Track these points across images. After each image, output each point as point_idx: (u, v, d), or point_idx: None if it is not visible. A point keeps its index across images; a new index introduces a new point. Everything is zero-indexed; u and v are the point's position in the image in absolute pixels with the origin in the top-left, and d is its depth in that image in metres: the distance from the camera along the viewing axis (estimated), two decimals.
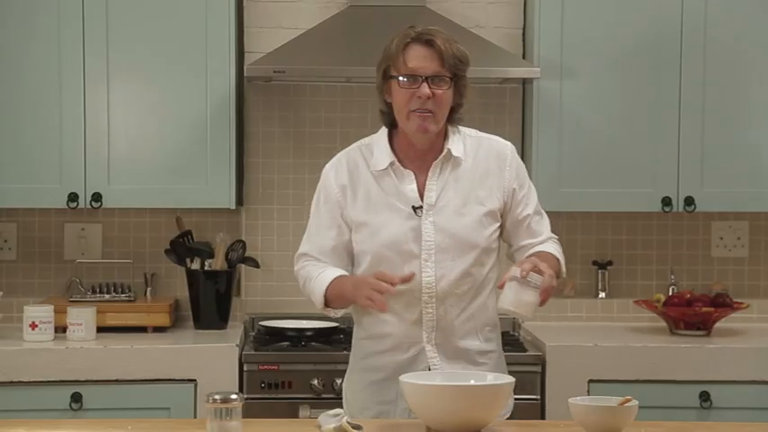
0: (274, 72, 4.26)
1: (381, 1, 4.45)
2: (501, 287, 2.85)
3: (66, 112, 4.30)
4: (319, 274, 3.09)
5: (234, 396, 2.51)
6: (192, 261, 4.48)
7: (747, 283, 4.78)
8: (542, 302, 2.86)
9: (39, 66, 4.28)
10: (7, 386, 4.01)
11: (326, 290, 3.06)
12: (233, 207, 4.39)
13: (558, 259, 3.13)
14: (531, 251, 3.09)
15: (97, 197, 4.31)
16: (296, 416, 4.03)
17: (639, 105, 4.42)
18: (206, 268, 4.47)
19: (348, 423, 2.62)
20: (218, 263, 4.48)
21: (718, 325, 4.44)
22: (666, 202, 4.43)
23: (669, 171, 4.43)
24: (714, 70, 4.41)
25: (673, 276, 4.72)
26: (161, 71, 4.32)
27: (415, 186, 3.02)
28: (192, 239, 4.55)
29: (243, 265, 4.60)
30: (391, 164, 3.03)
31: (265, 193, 4.70)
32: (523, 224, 3.12)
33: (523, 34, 4.68)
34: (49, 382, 4.02)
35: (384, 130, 3.10)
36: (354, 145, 3.16)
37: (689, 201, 4.42)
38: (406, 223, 3.01)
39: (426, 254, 2.99)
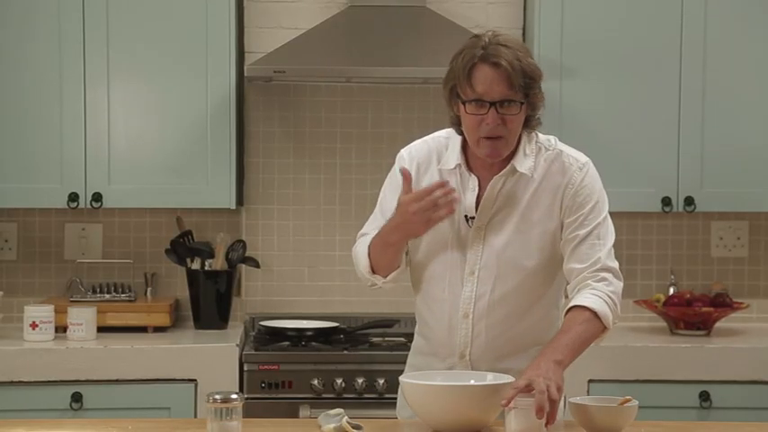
0: (274, 72, 4.26)
1: (381, 1, 4.45)
2: (505, 405, 2.55)
3: (67, 111, 4.30)
4: (362, 240, 2.95)
5: (234, 396, 2.52)
6: (192, 261, 4.48)
7: (747, 282, 4.78)
8: (548, 423, 2.53)
9: (39, 66, 4.29)
10: (7, 386, 4.01)
11: (369, 248, 2.89)
12: (233, 207, 4.40)
13: (592, 312, 2.75)
14: (564, 309, 2.82)
15: (97, 197, 4.31)
16: (296, 416, 4.03)
17: (639, 105, 4.42)
18: (206, 268, 4.47)
19: (348, 423, 2.62)
20: (218, 263, 4.48)
21: (717, 325, 4.44)
22: (666, 202, 4.43)
23: (669, 171, 4.43)
24: (714, 70, 4.41)
25: (673, 276, 4.73)
26: (161, 71, 4.32)
27: (475, 195, 2.87)
28: (193, 239, 4.56)
29: (243, 265, 4.60)
30: (458, 166, 2.88)
31: (266, 192, 4.70)
32: (571, 244, 2.84)
33: (523, 34, 4.68)
34: (49, 381, 4.02)
35: (456, 136, 2.93)
36: (438, 134, 2.98)
37: (689, 201, 4.43)
38: (458, 229, 2.87)
39: (470, 268, 2.86)
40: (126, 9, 4.30)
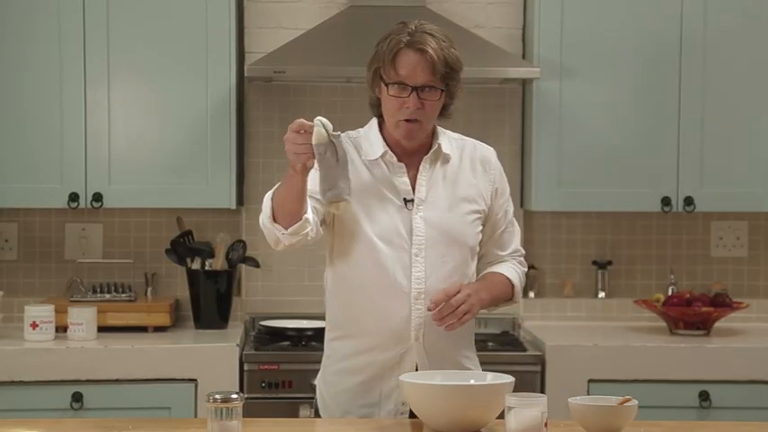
0: (275, 72, 4.26)
1: (381, 1, 4.45)
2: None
3: (67, 112, 4.30)
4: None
5: (234, 396, 2.52)
6: (192, 261, 4.49)
7: (746, 282, 4.78)
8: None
9: (39, 66, 4.29)
10: (8, 386, 4.01)
11: (273, 193, 2.89)
12: (233, 207, 4.40)
13: (510, 283, 3.06)
14: (487, 270, 3.06)
15: (98, 197, 4.32)
16: (296, 415, 4.03)
17: (639, 105, 4.43)
18: (206, 268, 4.47)
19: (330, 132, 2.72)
20: (218, 263, 4.48)
21: (717, 325, 4.44)
22: (666, 202, 4.43)
23: (669, 171, 4.43)
24: (714, 70, 4.41)
25: (672, 276, 4.73)
26: (162, 71, 4.33)
27: (407, 179, 2.96)
28: (193, 239, 4.56)
29: (243, 265, 4.60)
30: (383, 154, 2.96)
31: (266, 192, 4.69)
32: (496, 232, 3.06)
33: (523, 34, 4.68)
34: (49, 381, 4.03)
35: (374, 121, 3.04)
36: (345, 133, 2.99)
37: (688, 201, 4.43)
38: (397, 215, 2.93)
39: (417, 248, 2.92)
40: (126, 9, 4.30)
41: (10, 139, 4.30)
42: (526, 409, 2.50)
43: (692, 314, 4.39)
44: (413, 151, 2.99)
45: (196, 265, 4.48)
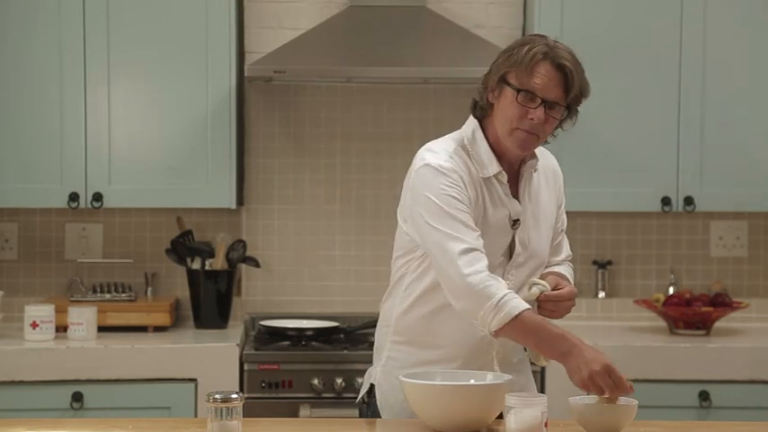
0: (275, 72, 4.26)
1: (381, 1, 4.45)
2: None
3: (67, 111, 4.30)
4: (505, 297, 2.71)
5: (234, 395, 2.52)
6: (192, 261, 4.49)
7: (746, 282, 4.78)
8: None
9: (39, 66, 4.29)
10: (8, 386, 4.02)
11: (514, 318, 2.70)
12: (233, 207, 4.40)
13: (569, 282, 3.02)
14: (547, 269, 2.99)
15: (98, 197, 4.32)
16: (296, 415, 4.04)
17: (639, 105, 4.43)
18: (206, 268, 4.47)
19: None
20: (218, 262, 4.48)
21: (717, 324, 4.45)
22: (666, 201, 4.43)
23: (669, 171, 4.43)
24: (714, 70, 4.41)
25: (672, 276, 4.73)
26: (162, 71, 4.33)
27: (516, 200, 2.88)
28: (193, 239, 4.56)
29: (243, 265, 4.61)
30: (498, 173, 2.85)
31: (266, 192, 4.71)
32: (555, 240, 3.03)
33: (523, 34, 4.68)
34: (49, 381, 4.03)
35: (479, 132, 2.87)
36: (449, 142, 2.86)
37: (688, 201, 4.43)
38: (501, 234, 2.86)
39: (511, 266, 2.88)
40: (126, 9, 4.30)
41: (10, 139, 4.30)
42: (526, 409, 2.51)
43: (692, 314, 4.39)
44: (512, 162, 2.89)
45: (196, 265, 4.48)
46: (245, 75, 4.36)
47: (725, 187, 4.44)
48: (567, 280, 3.00)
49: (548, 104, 2.78)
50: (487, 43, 4.42)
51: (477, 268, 2.71)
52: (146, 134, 4.35)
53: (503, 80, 2.80)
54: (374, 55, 4.34)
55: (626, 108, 4.43)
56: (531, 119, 2.77)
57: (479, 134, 2.87)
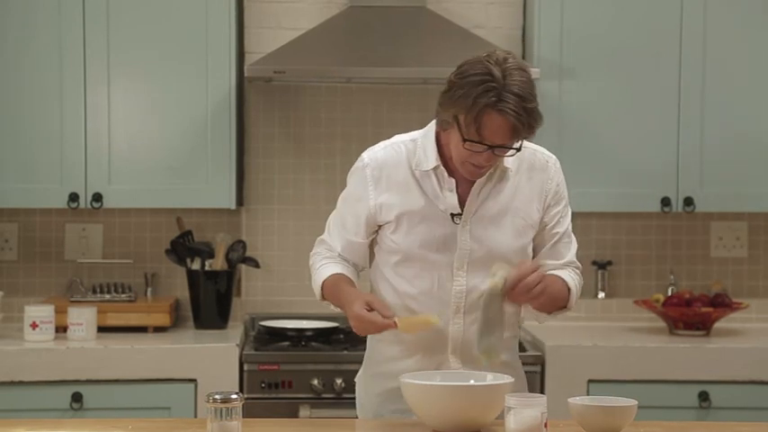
0: (275, 72, 4.26)
1: (381, 1, 4.45)
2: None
3: (67, 112, 4.30)
4: (320, 267, 3.03)
5: (234, 396, 2.52)
6: (192, 261, 4.49)
7: (746, 283, 4.79)
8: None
9: (39, 66, 4.29)
10: (8, 386, 4.01)
11: (323, 285, 2.99)
12: (233, 207, 4.40)
13: (567, 287, 2.97)
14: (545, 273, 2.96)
15: (98, 197, 4.32)
16: (296, 416, 4.04)
17: (639, 105, 4.43)
18: (206, 268, 4.47)
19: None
20: (218, 263, 4.48)
21: (717, 325, 4.45)
22: (666, 202, 4.43)
23: (669, 171, 4.43)
24: (713, 71, 4.41)
25: (672, 276, 4.73)
26: (161, 71, 4.33)
27: (455, 194, 2.89)
28: (193, 239, 4.56)
29: (243, 265, 4.61)
30: (436, 168, 2.89)
31: (266, 193, 4.71)
32: (549, 242, 2.98)
33: (523, 34, 4.68)
34: (49, 381, 4.03)
35: (432, 131, 2.92)
36: (397, 140, 2.99)
37: (688, 201, 4.43)
38: (441, 228, 2.89)
39: (459, 262, 2.89)
40: (126, 9, 4.30)
41: (10, 140, 4.30)
42: (526, 410, 2.51)
43: (691, 314, 4.39)
44: None
45: (196, 266, 4.48)
46: (245, 75, 4.35)
47: (725, 187, 4.44)
48: (562, 279, 2.96)
49: (495, 148, 2.76)
50: (487, 43, 4.41)
51: (317, 251, 3.06)
52: (146, 134, 4.35)
53: (453, 119, 2.78)
54: (374, 55, 4.34)
55: (626, 108, 4.43)
56: (478, 161, 2.78)
57: (432, 134, 2.92)
